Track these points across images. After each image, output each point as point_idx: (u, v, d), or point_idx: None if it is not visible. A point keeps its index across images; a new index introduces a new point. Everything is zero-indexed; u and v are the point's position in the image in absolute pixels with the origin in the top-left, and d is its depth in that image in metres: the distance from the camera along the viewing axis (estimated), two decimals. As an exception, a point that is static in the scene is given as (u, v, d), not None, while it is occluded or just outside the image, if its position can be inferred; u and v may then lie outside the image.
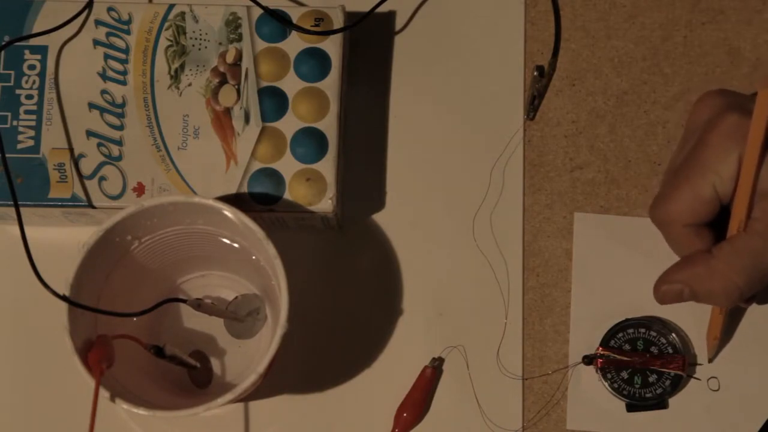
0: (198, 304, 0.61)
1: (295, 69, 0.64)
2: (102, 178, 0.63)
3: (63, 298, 0.55)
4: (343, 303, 0.67)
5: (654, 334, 0.65)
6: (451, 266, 0.67)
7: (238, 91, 0.64)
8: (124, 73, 0.64)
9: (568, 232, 0.67)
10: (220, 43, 0.65)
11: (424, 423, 0.65)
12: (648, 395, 0.64)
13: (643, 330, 0.65)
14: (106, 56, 0.64)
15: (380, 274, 0.67)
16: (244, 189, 0.63)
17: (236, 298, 0.65)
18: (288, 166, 0.63)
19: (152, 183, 0.63)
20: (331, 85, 0.64)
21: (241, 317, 0.65)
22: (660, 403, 0.64)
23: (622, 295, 0.66)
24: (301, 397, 0.65)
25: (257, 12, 0.65)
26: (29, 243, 0.58)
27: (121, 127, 0.63)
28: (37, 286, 0.56)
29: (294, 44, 0.65)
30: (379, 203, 0.68)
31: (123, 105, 0.64)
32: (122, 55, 0.64)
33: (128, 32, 0.65)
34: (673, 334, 0.64)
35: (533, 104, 0.66)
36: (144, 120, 0.63)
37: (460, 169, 0.68)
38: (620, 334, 0.65)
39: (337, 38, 0.65)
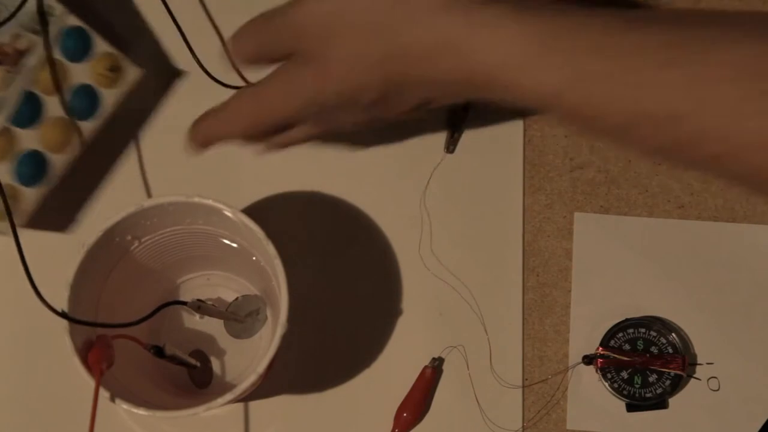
0: (198, 306, 0.61)
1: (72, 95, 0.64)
2: None
3: (62, 315, 0.54)
4: (343, 303, 0.67)
5: (654, 334, 0.65)
6: (450, 266, 0.67)
7: (6, 81, 0.62)
8: None
9: (568, 232, 0.67)
10: (22, 26, 0.62)
11: (424, 423, 0.65)
12: (648, 395, 0.64)
13: (643, 330, 0.65)
14: None
15: (380, 274, 0.67)
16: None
17: (237, 299, 0.65)
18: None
19: None
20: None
21: (241, 318, 0.65)
22: (660, 403, 0.64)
23: (622, 295, 0.66)
24: (301, 397, 0.65)
25: (69, 22, 0.63)
26: (29, 247, 0.58)
27: None
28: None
29: (85, 70, 0.64)
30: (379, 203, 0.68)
31: None
32: None
33: None
34: (673, 334, 0.65)
35: (453, 137, 0.67)
36: None
37: (461, 169, 0.68)
38: (620, 334, 0.65)
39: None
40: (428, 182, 0.68)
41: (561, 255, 0.67)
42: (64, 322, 0.55)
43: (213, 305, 0.63)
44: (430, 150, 0.69)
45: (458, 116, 0.68)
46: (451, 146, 0.68)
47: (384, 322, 0.66)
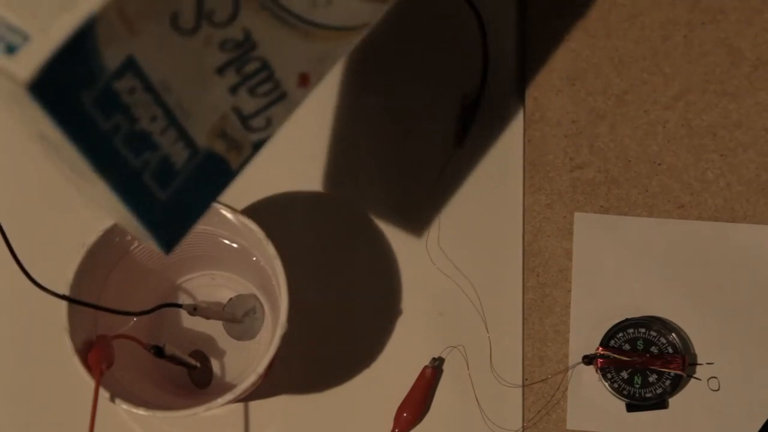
0: (194, 308, 0.61)
1: None
2: None
3: (63, 297, 0.55)
4: (343, 303, 0.67)
5: (654, 334, 0.65)
6: (450, 266, 0.67)
7: None
8: None
9: (568, 232, 0.67)
10: None
11: (424, 423, 0.65)
12: (648, 395, 0.64)
13: (643, 330, 0.65)
14: None
15: (381, 274, 0.67)
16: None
17: (231, 299, 0.65)
18: None
19: None
20: None
21: (238, 318, 0.65)
22: (660, 403, 0.64)
23: (622, 295, 0.66)
24: (301, 397, 0.65)
25: None
26: (29, 247, 0.58)
27: None
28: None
29: None
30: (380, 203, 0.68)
31: None
32: None
33: None
34: (673, 334, 0.64)
35: (463, 132, 0.67)
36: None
37: (461, 168, 0.68)
38: (620, 334, 0.65)
39: None
40: (439, 177, 0.68)
41: (561, 255, 0.67)
42: (65, 322, 0.55)
43: (209, 307, 0.63)
44: (438, 146, 0.69)
45: (469, 111, 0.68)
46: (461, 141, 0.68)
47: (384, 322, 0.66)
